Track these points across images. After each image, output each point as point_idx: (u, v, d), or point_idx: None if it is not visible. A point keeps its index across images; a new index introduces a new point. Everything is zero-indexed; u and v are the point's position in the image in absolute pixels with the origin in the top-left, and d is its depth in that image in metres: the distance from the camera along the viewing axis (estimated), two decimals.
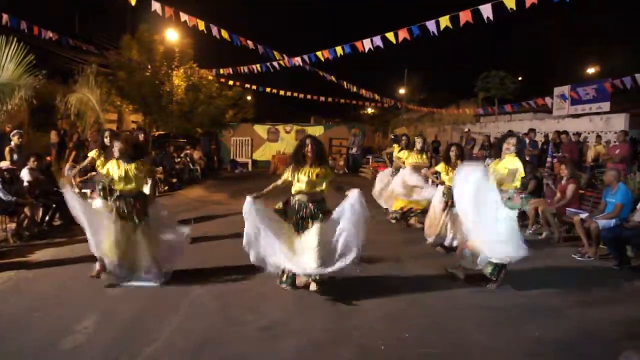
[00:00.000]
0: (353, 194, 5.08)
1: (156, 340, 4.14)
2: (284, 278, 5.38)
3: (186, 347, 4.06)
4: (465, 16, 8.96)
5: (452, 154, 7.32)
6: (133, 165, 5.52)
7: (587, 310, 5.11)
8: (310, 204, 5.14)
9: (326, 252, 5.02)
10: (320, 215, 5.12)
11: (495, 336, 4.42)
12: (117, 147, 5.53)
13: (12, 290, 5.34)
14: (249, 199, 5.11)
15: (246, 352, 4.02)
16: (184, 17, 11.59)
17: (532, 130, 15.21)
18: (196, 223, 9.26)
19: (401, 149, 10.06)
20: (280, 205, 5.36)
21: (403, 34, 10.29)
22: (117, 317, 4.64)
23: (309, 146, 5.14)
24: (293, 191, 5.24)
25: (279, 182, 5.34)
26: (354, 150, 22.18)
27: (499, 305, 5.17)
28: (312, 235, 5.05)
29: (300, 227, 5.16)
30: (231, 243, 7.71)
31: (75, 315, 4.62)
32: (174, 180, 15.01)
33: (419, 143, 9.40)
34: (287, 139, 23.29)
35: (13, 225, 7.60)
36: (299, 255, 5.11)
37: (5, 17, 11.81)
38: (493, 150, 6.11)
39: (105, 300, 5.08)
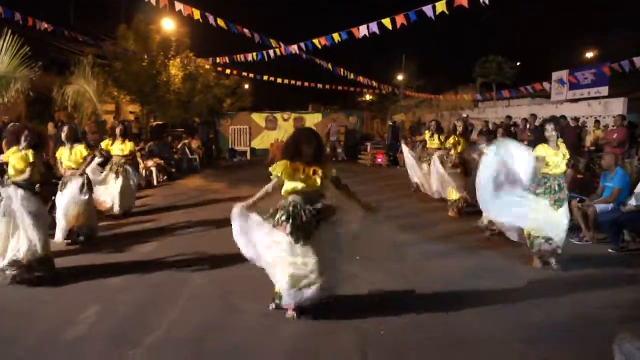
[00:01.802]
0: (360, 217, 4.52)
1: (157, 329, 4.18)
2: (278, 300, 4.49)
3: (187, 336, 4.10)
4: (460, 1, 8.91)
5: (500, 135, 7.46)
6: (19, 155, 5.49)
7: (584, 295, 5.14)
8: (307, 206, 4.30)
9: (327, 273, 4.32)
10: (319, 221, 4.31)
11: (494, 322, 4.45)
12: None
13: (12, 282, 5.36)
14: (235, 210, 4.39)
15: (247, 339, 4.06)
16: (178, 6, 11.53)
17: (532, 115, 15.16)
18: (196, 212, 9.36)
19: (432, 134, 10.34)
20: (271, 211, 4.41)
21: (400, 19, 10.25)
22: (118, 308, 4.67)
23: (307, 143, 4.29)
24: (284, 191, 4.36)
25: (270, 186, 4.42)
26: (333, 138, 22.12)
27: (496, 291, 5.20)
28: (311, 254, 4.23)
29: (297, 236, 4.21)
30: (230, 232, 7.75)
31: (76, 306, 4.66)
32: (173, 170, 15.02)
33: (459, 127, 9.61)
34: (285, 127, 23.23)
35: None
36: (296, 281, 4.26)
37: None
38: (536, 135, 6.23)
39: (105, 290, 5.11)
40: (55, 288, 5.18)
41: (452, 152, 9.46)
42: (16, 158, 5.47)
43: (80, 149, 7.06)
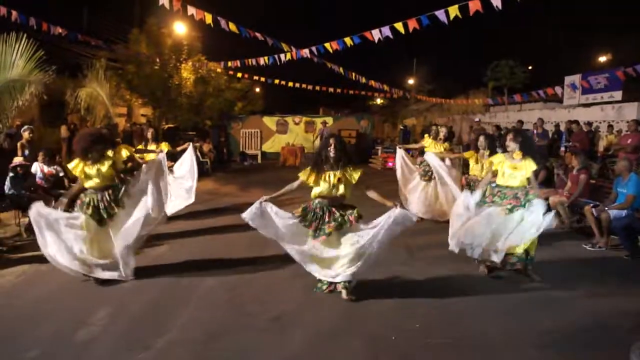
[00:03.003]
0: (400, 212, 4.72)
1: (169, 331, 4.20)
2: (319, 285, 5.11)
3: (198, 338, 4.11)
4: (474, 5, 8.88)
5: (481, 143, 7.32)
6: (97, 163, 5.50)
7: (597, 301, 5.09)
8: (332, 209, 4.87)
9: (354, 258, 4.81)
10: (343, 219, 4.84)
11: (504, 327, 4.42)
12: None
13: (26, 284, 5.42)
14: (257, 203, 4.87)
15: (256, 343, 4.06)
16: (191, 10, 11.59)
17: (540, 119, 15.09)
18: (207, 216, 9.39)
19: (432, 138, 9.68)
20: (300, 210, 5.00)
21: (412, 24, 10.23)
22: (130, 310, 4.70)
23: (332, 146, 4.85)
24: (312, 195, 4.98)
25: (295, 184, 5.04)
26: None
27: (508, 296, 5.17)
28: (338, 242, 4.86)
29: (320, 232, 4.86)
30: (241, 235, 7.76)
31: (89, 307, 4.69)
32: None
33: (442, 132, 9.21)
34: (296, 131, 23.26)
35: (26, 220, 7.67)
36: (325, 263, 4.94)
37: (14, 13, 11.88)
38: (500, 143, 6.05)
39: (118, 292, 5.14)
40: (68, 290, 5.23)
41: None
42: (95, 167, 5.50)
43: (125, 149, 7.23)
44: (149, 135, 9.04)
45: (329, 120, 24.17)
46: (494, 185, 5.82)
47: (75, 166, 5.51)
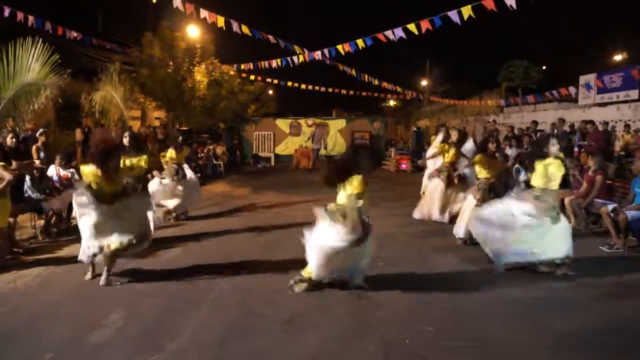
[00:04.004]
0: None
1: (181, 334, 4.19)
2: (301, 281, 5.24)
3: (210, 341, 4.10)
4: (488, 5, 8.82)
5: (491, 146, 7.27)
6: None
7: (614, 303, 5.01)
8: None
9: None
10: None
11: (519, 330, 4.36)
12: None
13: (41, 286, 5.45)
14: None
15: (269, 346, 4.04)
16: (203, 13, 11.65)
17: (561, 120, 14.82)
18: (220, 218, 9.43)
19: (442, 142, 9.27)
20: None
21: (425, 25, 10.18)
22: (143, 312, 4.71)
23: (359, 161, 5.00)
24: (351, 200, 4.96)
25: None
26: (315, 145, 21.22)
27: (523, 299, 5.11)
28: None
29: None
30: (253, 238, 7.78)
31: (102, 310, 4.70)
32: (198, 175, 15.13)
33: (454, 135, 9.00)
34: (309, 133, 23.26)
35: (41, 222, 7.74)
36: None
37: (30, 18, 12.02)
38: (534, 149, 6.17)
39: (131, 295, 5.15)
40: (82, 292, 5.26)
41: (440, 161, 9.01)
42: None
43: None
44: (180, 139, 9.47)
45: (342, 122, 24.13)
46: (537, 193, 5.86)
47: (91, 173, 5.39)
